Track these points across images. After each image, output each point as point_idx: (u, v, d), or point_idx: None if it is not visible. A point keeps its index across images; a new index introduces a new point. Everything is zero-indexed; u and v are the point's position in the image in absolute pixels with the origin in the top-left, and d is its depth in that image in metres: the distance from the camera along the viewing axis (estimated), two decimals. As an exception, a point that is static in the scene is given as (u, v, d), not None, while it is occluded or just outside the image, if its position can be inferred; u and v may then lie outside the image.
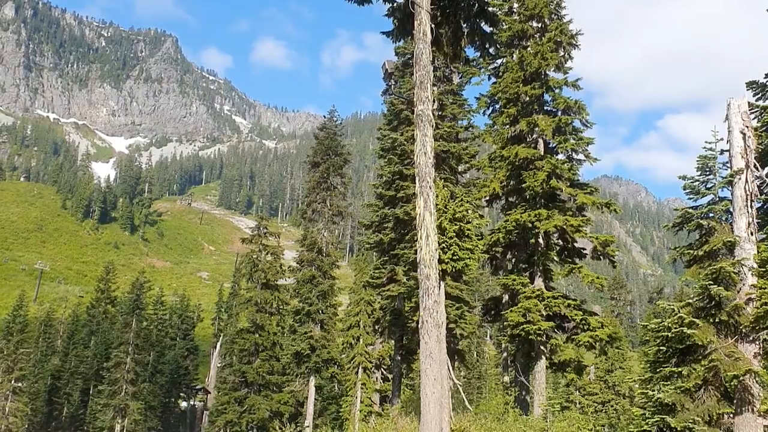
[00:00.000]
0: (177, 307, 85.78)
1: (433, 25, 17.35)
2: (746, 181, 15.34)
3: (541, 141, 29.24)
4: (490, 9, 19.14)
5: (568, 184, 28.50)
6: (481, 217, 31.01)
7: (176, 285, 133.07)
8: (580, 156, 29.00)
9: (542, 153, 28.75)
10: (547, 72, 29.24)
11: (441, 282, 18.83)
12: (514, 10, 31.56)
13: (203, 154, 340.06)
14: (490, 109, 33.09)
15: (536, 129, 28.78)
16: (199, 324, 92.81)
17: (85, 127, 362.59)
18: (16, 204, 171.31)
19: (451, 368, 21.26)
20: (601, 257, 28.31)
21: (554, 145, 29.28)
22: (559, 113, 29.25)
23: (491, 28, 19.46)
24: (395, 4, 18.53)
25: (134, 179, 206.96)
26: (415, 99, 17.25)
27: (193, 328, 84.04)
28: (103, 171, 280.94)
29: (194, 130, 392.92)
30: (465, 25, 18.96)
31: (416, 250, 16.23)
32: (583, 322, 27.22)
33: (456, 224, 22.62)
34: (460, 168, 38.32)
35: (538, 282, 28.32)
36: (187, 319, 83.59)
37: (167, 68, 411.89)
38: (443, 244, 22.13)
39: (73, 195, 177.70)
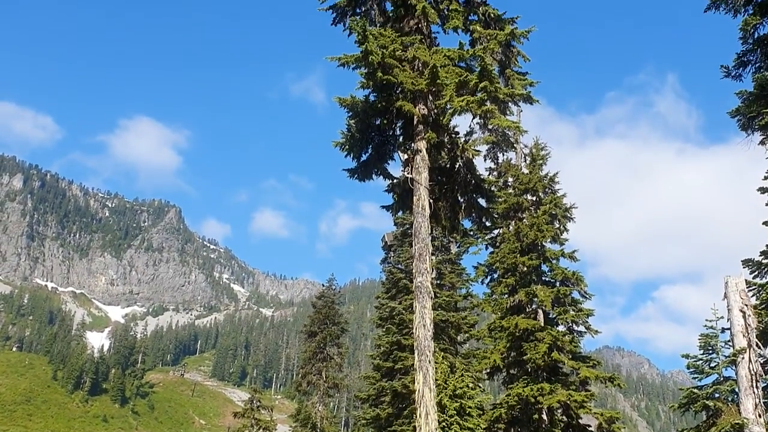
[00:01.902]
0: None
1: (431, 200, 17.74)
2: (750, 361, 15.03)
3: (540, 312, 29.00)
4: (486, 185, 19.65)
5: (570, 356, 27.92)
6: (483, 391, 30.08)
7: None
8: (581, 328, 28.65)
9: (542, 324, 28.40)
10: (544, 243, 29.57)
11: (443, 463, 17.87)
12: (509, 183, 32.52)
13: (199, 323, 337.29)
14: (489, 278, 33.10)
15: (535, 300, 28.64)
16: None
17: (82, 296, 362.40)
18: (5, 375, 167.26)
19: None
20: (609, 434, 27.13)
21: (554, 316, 29.00)
22: (558, 284, 29.24)
23: (487, 203, 19.89)
24: (395, 181, 19.05)
25: (128, 349, 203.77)
26: (413, 271, 17.26)
27: None
28: (98, 341, 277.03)
29: (192, 298, 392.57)
30: (462, 199, 19.40)
31: (415, 428, 15.51)
32: (594, 505, 25.59)
33: (456, 401, 21.89)
34: (460, 338, 37.80)
35: (545, 461, 26.95)
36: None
37: (169, 238, 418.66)
38: (443, 423, 21.26)
39: (65, 365, 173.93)
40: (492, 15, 18.69)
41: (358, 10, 19.04)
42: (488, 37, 18.03)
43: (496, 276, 31.94)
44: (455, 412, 21.70)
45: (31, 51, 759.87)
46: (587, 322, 28.51)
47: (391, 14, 18.79)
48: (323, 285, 51.93)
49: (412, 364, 29.41)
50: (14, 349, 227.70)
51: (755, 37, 20.14)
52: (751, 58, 20.50)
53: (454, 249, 39.44)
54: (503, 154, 32.36)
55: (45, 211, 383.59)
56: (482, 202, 19.82)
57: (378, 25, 18.52)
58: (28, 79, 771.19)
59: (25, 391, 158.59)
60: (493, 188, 20.84)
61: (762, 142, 20.86)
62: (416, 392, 15.50)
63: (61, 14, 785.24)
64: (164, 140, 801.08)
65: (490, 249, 33.51)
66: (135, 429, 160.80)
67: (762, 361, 15.63)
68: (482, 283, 33.45)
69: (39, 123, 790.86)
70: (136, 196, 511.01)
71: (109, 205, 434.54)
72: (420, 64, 17.73)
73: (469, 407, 22.26)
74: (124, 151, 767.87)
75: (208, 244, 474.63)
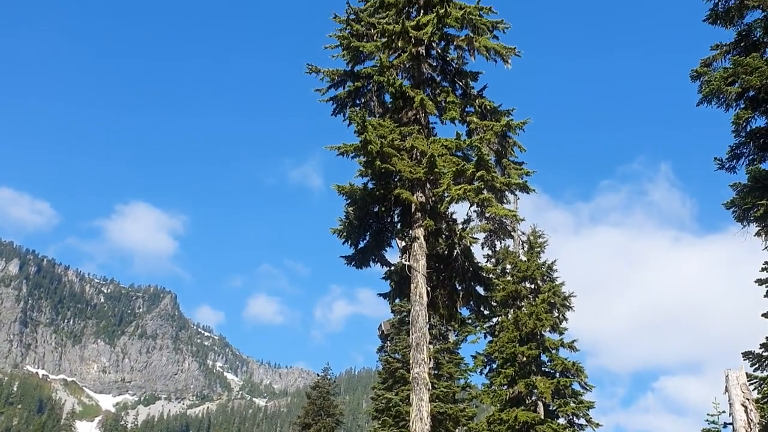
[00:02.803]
0: None
1: (428, 288, 17.67)
2: (756, 458, 14.63)
3: (540, 404, 28.43)
4: (484, 273, 19.61)
5: (572, 450, 27.19)
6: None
7: None
8: (582, 421, 28.04)
9: (543, 417, 27.79)
10: (543, 332, 29.30)
11: None
12: (508, 271, 32.47)
13: (191, 412, 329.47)
14: (487, 368, 32.64)
15: (535, 391, 28.13)
16: None
17: (73, 384, 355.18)
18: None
19: None
20: None
21: (554, 408, 28.43)
22: (558, 375, 28.80)
23: (485, 291, 19.80)
24: (392, 268, 19.03)
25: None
26: (411, 361, 17.01)
27: None
28: (88, 430, 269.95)
29: (184, 387, 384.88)
30: (460, 287, 19.33)
31: None
32: None
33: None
34: (458, 431, 36.86)
35: None
36: None
37: (163, 324, 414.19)
38: None
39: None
40: (488, 107, 19.15)
41: (357, 101, 19.51)
42: (485, 128, 18.42)
43: (495, 366, 31.49)
44: None
45: (29, 137, 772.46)
46: (588, 414, 27.94)
47: (389, 105, 19.24)
48: (318, 374, 51.05)
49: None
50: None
51: (747, 130, 20.55)
52: (744, 150, 20.87)
53: (452, 338, 38.98)
54: (501, 242, 32.50)
55: (40, 297, 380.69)
56: (480, 290, 19.75)
57: (377, 115, 18.94)
58: (26, 164, 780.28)
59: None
60: (491, 276, 20.78)
61: (758, 234, 20.96)
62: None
63: (59, 101, 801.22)
64: (160, 225, 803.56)
65: (489, 338, 33.16)
66: None
67: (768, 458, 15.19)
68: (481, 373, 32.96)
69: (36, 208, 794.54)
70: (131, 281, 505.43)
71: (105, 291, 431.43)
72: (418, 153, 18.02)
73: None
74: (120, 237, 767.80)
75: (203, 332, 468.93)
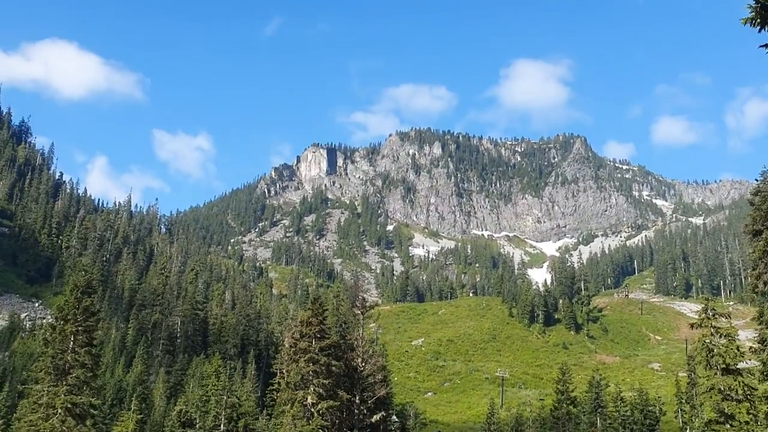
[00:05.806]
0: (637, 402, 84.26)
1: None
2: None
3: None
4: None
5: None
6: None
7: (630, 379, 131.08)
8: None
9: None
10: None
11: None
12: None
13: (630, 243, 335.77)
14: None
15: None
16: (662, 417, 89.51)
17: (515, 238, 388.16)
18: (469, 318, 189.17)
19: None
20: None
21: None
22: None
23: None
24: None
25: (569, 279, 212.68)
26: None
27: (657, 423, 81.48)
28: (539, 276, 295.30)
29: (617, 221, 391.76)
30: None
31: None
32: None
33: None
34: None
35: None
36: (650, 413, 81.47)
37: (581, 168, 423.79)
38: None
39: (516, 303, 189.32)
40: None
41: None
42: None
43: None
44: None
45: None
46: None
47: None
48: (756, 180, 48.79)
49: None
50: (470, 294, 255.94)
51: None
52: None
53: None
54: None
55: (465, 169, 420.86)
56: None
57: None
58: (414, 54, 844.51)
59: (489, 330, 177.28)
60: None
61: None
62: None
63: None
64: (547, 76, 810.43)
65: None
66: (594, 352, 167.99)
67: None
68: None
69: (435, 94, 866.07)
70: (539, 135, 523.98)
71: (519, 150, 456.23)
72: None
73: None
74: (512, 98, 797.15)
75: (620, 165, 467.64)
